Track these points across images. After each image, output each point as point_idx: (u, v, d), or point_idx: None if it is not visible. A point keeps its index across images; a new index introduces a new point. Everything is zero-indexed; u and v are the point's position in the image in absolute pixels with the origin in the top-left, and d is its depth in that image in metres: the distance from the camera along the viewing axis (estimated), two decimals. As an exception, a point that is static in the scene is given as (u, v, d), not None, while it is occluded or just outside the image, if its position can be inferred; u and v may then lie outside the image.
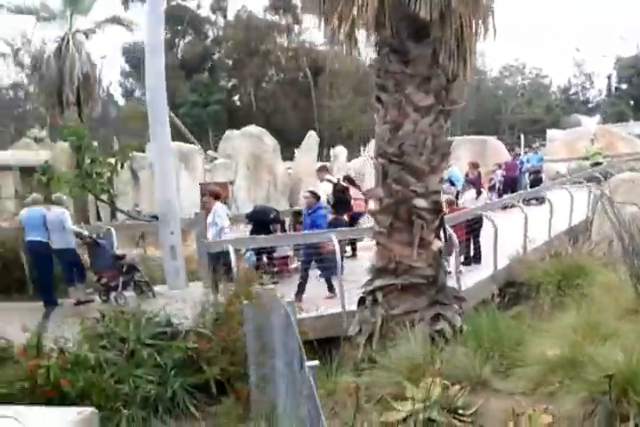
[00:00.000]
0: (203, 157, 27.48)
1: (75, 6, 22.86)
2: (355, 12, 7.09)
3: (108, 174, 19.59)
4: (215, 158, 28.74)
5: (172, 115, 38.74)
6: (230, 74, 65.10)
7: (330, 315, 9.20)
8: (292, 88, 62.35)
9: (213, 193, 12.15)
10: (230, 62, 65.25)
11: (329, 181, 12.96)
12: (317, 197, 11.93)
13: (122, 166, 20.37)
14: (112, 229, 12.52)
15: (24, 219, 12.10)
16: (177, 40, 67.56)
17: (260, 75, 62.29)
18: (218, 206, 11.86)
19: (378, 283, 7.64)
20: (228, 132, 27.49)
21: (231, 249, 9.33)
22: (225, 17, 66.24)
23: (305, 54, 61.70)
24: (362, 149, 34.53)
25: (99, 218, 24.04)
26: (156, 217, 24.03)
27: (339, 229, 11.43)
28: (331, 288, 10.68)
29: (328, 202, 12.53)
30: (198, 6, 65.42)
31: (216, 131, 54.00)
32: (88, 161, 19.66)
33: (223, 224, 11.57)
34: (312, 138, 26.75)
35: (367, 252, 13.62)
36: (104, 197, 21.47)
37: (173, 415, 7.11)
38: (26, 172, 28.61)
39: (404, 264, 7.46)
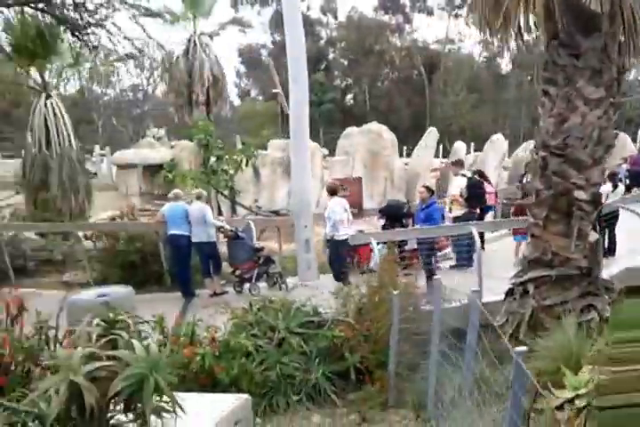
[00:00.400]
0: (322, 155, 27.66)
1: (196, 9, 23.40)
2: (522, 7, 6.96)
3: (232, 171, 20.03)
4: (326, 155, 28.88)
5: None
6: (345, 73, 65.45)
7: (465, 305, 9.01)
8: (405, 86, 62.08)
9: (329, 189, 12.16)
10: (345, 62, 65.60)
11: (463, 175, 12.74)
12: (432, 192, 11.82)
13: (247, 164, 20.82)
14: (251, 223, 12.76)
15: (167, 213, 12.51)
16: (291, 42, 68.39)
17: (374, 74, 62.34)
18: (333, 201, 11.88)
19: (531, 274, 7.50)
20: (348, 130, 27.52)
21: (373, 242, 9.30)
22: (335, 18, 66.62)
23: (418, 53, 61.30)
24: (472, 144, 33.87)
25: (219, 213, 24.56)
26: (275, 212, 24.52)
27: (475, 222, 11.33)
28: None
29: (461, 196, 12.36)
30: (308, 8, 66.03)
31: (328, 129, 54.50)
32: (214, 159, 20.17)
33: (337, 218, 11.61)
34: (432, 134, 26.33)
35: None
36: (226, 193, 21.98)
37: (316, 402, 7.16)
38: (148, 169, 29.70)
39: (560, 256, 7.32)
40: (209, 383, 7.05)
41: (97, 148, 36.24)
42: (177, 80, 22.75)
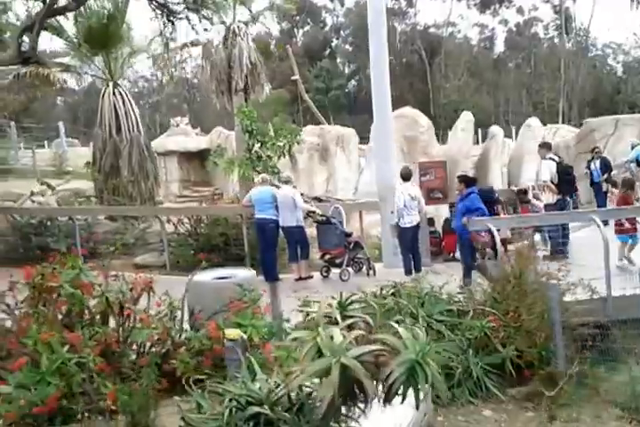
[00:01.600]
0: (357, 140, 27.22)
1: (237, -4, 22.76)
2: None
3: (276, 158, 19.64)
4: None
5: (308, 99, 38.89)
6: (350, 60, 64.96)
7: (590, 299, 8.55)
8: (409, 71, 61.55)
9: (403, 173, 11.59)
10: (350, 48, 65.10)
11: (552, 159, 12.08)
12: (464, 181, 10.94)
13: (289, 150, 20.38)
14: (340, 208, 12.24)
15: (255, 197, 12.11)
16: (296, 30, 68.10)
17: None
18: (402, 187, 11.42)
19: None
20: None
21: (493, 229, 8.88)
22: (342, 4, 66.13)
23: (420, 37, 60.79)
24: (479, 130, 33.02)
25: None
26: (316, 199, 24.02)
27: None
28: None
29: (552, 181, 11.77)
30: (315, -5, 65.91)
31: (337, 115, 54.05)
32: (258, 145, 19.74)
33: (401, 205, 11.18)
34: (467, 118, 25.47)
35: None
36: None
37: (476, 395, 6.63)
38: (182, 156, 29.50)
39: None
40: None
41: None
42: (218, 68, 22.20)
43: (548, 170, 11.73)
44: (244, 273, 8.15)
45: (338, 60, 65.41)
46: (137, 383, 5.62)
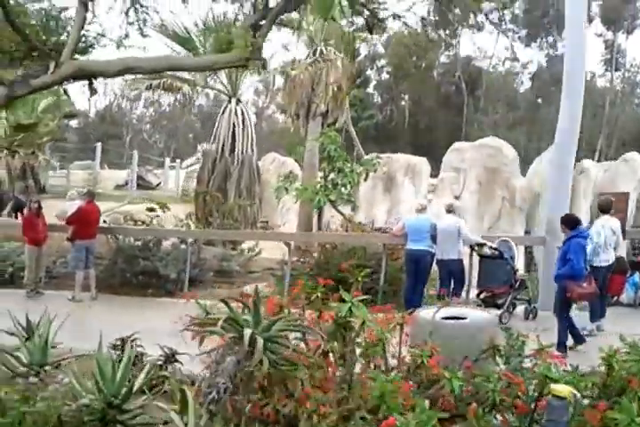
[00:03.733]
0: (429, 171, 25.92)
1: (322, 13, 21.94)
2: None
3: (349, 186, 18.59)
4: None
5: (352, 128, 37.84)
6: (384, 90, 64.24)
7: None
8: (446, 103, 60.65)
9: (602, 205, 10.27)
10: (386, 78, 64.47)
11: None
12: (565, 223, 9.23)
13: (365, 178, 19.28)
14: (510, 242, 10.96)
15: (410, 225, 11.05)
16: (327, 57, 67.52)
17: (416, 90, 60.93)
18: (601, 220, 10.03)
19: None
20: (457, 144, 25.34)
21: None
22: (383, 31, 65.43)
23: (461, 70, 60.01)
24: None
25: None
26: (377, 230, 22.80)
27: None
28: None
29: None
30: (352, 23, 65.12)
31: (363, 145, 52.97)
32: (335, 172, 18.67)
33: (601, 241, 9.75)
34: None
35: None
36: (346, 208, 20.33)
37: None
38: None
39: None
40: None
41: (167, 160, 35.21)
42: (301, 89, 21.12)
43: None
44: (478, 313, 6.82)
45: (371, 89, 64.51)
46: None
